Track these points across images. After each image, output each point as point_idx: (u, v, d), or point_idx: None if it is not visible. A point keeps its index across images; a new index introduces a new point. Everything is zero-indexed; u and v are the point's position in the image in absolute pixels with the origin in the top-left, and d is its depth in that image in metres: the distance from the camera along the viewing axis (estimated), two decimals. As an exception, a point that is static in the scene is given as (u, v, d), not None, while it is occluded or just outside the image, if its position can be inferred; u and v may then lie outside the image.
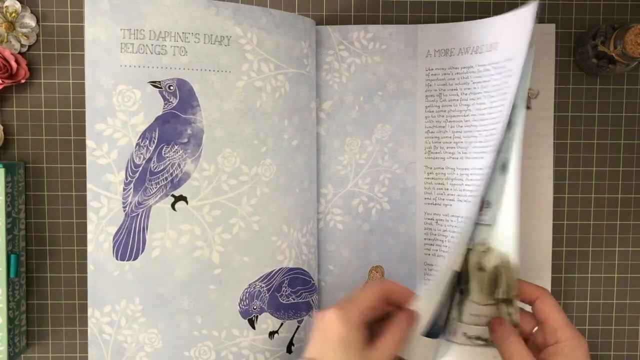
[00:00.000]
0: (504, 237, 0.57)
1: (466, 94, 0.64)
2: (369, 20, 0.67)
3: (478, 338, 0.58)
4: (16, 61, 0.64)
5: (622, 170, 0.68)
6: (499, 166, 0.56)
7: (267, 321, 0.63)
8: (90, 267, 0.59)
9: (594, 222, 0.69)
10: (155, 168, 0.60)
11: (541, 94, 0.67)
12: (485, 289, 0.58)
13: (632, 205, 0.69)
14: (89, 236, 0.59)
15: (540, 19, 0.67)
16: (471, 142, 0.64)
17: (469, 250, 0.58)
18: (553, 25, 0.66)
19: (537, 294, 0.55)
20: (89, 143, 0.58)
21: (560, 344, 0.52)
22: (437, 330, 0.59)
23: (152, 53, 0.59)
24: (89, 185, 0.58)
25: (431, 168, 0.66)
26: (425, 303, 0.56)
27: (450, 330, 0.59)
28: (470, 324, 0.58)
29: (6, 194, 0.62)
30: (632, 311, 0.69)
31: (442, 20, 0.67)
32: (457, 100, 0.64)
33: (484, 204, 0.57)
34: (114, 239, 0.59)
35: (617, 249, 0.69)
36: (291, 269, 0.64)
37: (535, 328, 0.55)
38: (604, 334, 0.70)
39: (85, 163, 0.65)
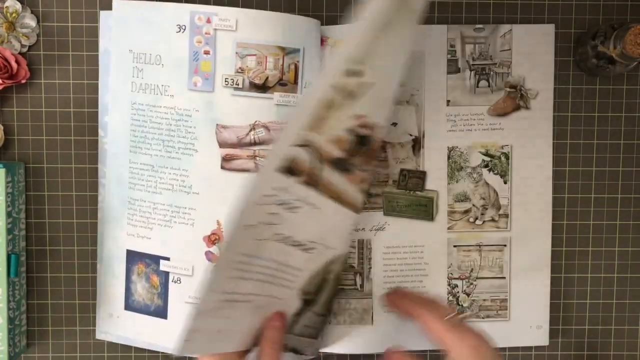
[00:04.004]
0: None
1: None
2: (369, 20, 0.67)
3: (293, 350, 0.61)
4: (16, 61, 0.64)
5: (622, 170, 0.68)
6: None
7: None
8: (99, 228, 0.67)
9: (593, 222, 0.69)
10: None
11: (540, 94, 0.67)
12: (329, 297, 0.60)
13: (632, 205, 0.69)
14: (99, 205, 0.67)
15: (541, 19, 0.67)
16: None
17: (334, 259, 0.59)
18: (552, 26, 0.66)
19: (414, 313, 0.54)
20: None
21: (449, 353, 0.51)
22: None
23: None
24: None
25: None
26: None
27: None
28: (299, 336, 0.60)
29: (6, 194, 0.62)
30: (632, 311, 0.69)
31: (442, 21, 0.67)
32: None
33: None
34: None
35: (617, 249, 0.69)
36: None
37: None
38: (603, 334, 0.70)
39: (85, 163, 0.67)
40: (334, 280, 0.61)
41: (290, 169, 0.52)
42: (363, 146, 0.56)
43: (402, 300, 0.57)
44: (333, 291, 0.62)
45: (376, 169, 0.61)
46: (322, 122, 0.52)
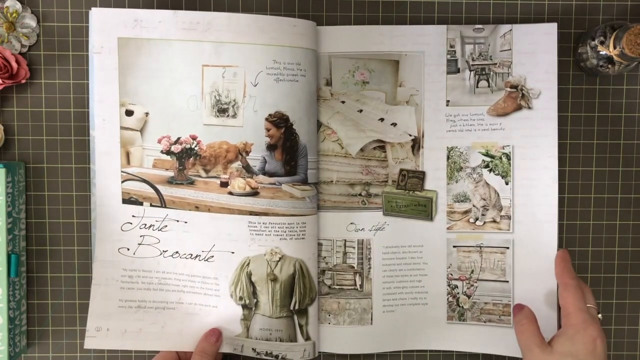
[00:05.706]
0: (298, 244, 0.63)
1: None
2: (368, 21, 0.67)
3: (269, 354, 0.63)
4: (17, 61, 0.64)
5: (622, 170, 0.68)
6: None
7: None
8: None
9: (593, 222, 0.69)
10: None
11: (543, 93, 0.67)
12: (278, 300, 0.63)
13: (632, 205, 0.69)
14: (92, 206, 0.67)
15: (541, 19, 0.67)
16: None
17: (247, 261, 0.63)
18: (555, 25, 0.66)
19: (564, 281, 0.59)
20: None
21: (565, 327, 0.56)
22: None
23: None
24: None
25: None
26: None
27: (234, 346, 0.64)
28: (261, 340, 0.63)
29: (7, 194, 0.62)
30: (632, 311, 0.69)
31: (442, 21, 0.67)
32: None
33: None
34: None
35: (617, 249, 0.69)
36: None
37: None
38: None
39: (86, 163, 0.67)
40: (287, 281, 0.63)
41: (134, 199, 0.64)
42: (188, 158, 0.63)
43: (560, 265, 0.62)
44: (286, 292, 0.63)
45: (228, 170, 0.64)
46: (131, 157, 0.64)
